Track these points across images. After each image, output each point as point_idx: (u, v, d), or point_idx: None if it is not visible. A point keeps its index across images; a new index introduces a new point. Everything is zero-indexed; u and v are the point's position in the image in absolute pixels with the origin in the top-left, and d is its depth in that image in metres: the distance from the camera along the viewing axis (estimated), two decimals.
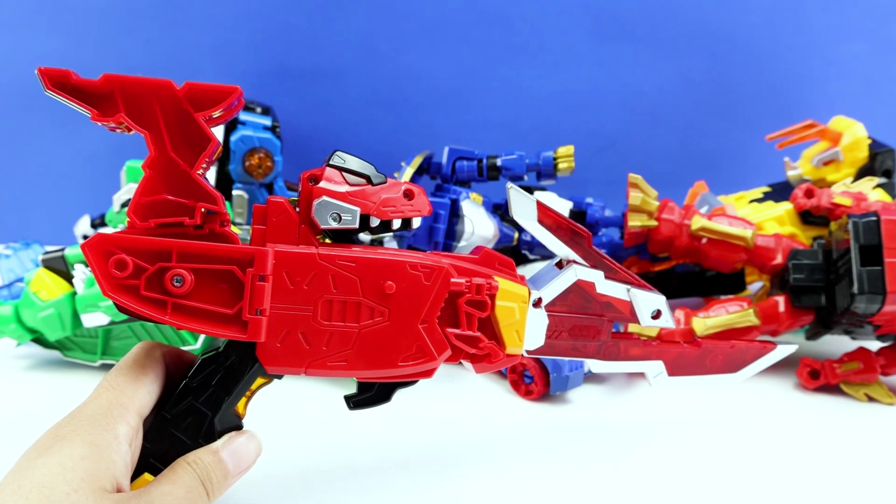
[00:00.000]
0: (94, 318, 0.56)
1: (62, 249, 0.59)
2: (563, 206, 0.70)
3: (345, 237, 0.37)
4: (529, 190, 0.73)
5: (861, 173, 0.71)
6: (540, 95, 0.94)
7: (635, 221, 0.63)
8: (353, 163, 0.36)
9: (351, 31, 0.91)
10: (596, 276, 0.42)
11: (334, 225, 0.35)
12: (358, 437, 0.50)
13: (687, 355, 0.48)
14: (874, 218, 0.53)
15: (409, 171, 0.64)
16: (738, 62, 0.94)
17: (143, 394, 0.35)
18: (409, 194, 0.37)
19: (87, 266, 0.57)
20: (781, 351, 0.50)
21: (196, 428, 0.35)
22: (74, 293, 0.57)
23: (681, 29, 0.92)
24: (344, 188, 0.36)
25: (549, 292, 0.42)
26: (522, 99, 0.95)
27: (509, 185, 0.41)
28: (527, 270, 0.66)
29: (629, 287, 0.43)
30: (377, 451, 0.48)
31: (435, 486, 0.44)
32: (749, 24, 0.92)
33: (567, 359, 0.55)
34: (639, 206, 0.63)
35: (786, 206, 0.70)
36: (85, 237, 0.80)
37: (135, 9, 0.90)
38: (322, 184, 0.35)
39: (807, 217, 0.69)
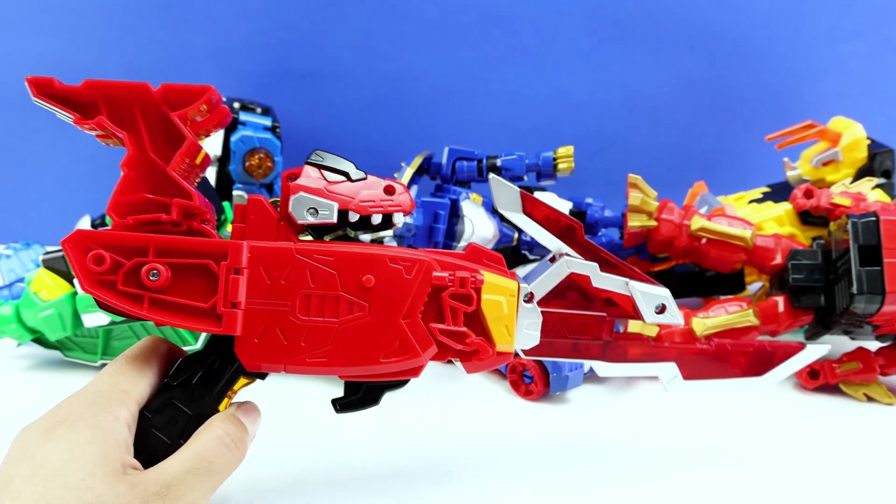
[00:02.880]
0: (95, 319, 0.57)
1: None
2: (563, 207, 0.70)
3: (327, 234, 0.37)
4: (529, 190, 0.74)
5: (860, 174, 0.72)
6: (540, 96, 0.95)
7: (635, 222, 0.63)
8: (331, 160, 0.36)
9: (351, 31, 0.91)
10: (590, 269, 0.40)
11: (311, 220, 0.35)
12: (356, 437, 0.50)
13: (705, 356, 0.44)
14: (873, 218, 0.53)
15: (409, 172, 0.64)
16: (737, 62, 0.94)
17: (143, 385, 0.35)
18: (389, 190, 0.37)
19: None
20: (812, 352, 0.45)
21: (177, 427, 0.35)
22: (75, 293, 0.57)
23: (680, 29, 0.92)
24: (321, 184, 0.36)
25: (541, 286, 0.40)
26: (522, 99, 0.95)
27: (491, 175, 0.40)
28: (524, 270, 0.66)
29: (628, 280, 0.41)
30: (375, 451, 0.48)
31: (434, 486, 0.44)
32: (748, 24, 0.92)
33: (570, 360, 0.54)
34: (638, 206, 0.63)
35: (785, 207, 0.70)
36: None
37: (135, 10, 0.90)
38: (299, 180, 0.36)
39: (806, 217, 0.69)
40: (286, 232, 0.36)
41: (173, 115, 0.34)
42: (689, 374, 0.44)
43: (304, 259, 0.35)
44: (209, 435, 0.34)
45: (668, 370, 0.44)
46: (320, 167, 0.36)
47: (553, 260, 0.41)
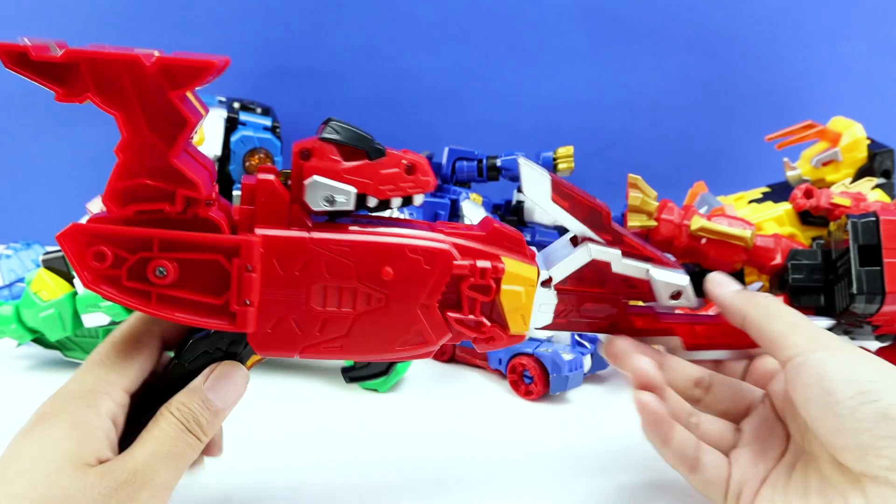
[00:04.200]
0: (95, 319, 0.57)
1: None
2: None
3: (343, 214, 0.35)
4: None
5: (860, 174, 0.72)
6: (540, 96, 0.95)
7: (634, 221, 0.63)
8: (346, 134, 0.33)
9: (351, 31, 0.91)
10: (612, 255, 0.40)
11: (327, 208, 0.33)
12: (356, 437, 0.50)
13: (710, 329, 0.45)
14: (873, 218, 0.53)
15: None
16: (738, 62, 0.94)
17: (133, 370, 0.34)
18: (410, 170, 0.34)
19: None
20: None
21: None
22: (75, 293, 0.57)
23: (681, 29, 0.92)
24: (337, 165, 0.33)
25: (560, 272, 0.39)
26: (522, 99, 0.95)
27: (522, 160, 0.38)
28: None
29: (649, 267, 0.40)
30: (374, 451, 0.48)
31: (433, 485, 0.44)
32: (749, 24, 0.92)
33: (568, 358, 0.55)
34: (638, 206, 0.63)
35: (785, 207, 0.70)
36: None
37: (135, 10, 0.90)
38: (313, 161, 0.33)
39: (806, 217, 0.69)
40: (298, 215, 0.33)
41: (172, 94, 0.29)
42: (691, 345, 0.44)
43: (320, 249, 0.33)
44: (165, 417, 0.33)
45: (671, 340, 0.43)
46: (336, 143, 0.33)
47: (574, 241, 0.40)
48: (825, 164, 0.74)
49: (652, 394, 0.40)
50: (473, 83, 0.94)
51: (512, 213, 0.72)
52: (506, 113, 0.95)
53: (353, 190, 0.33)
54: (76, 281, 0.57)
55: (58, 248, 0.59)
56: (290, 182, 0.34)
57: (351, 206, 0.33)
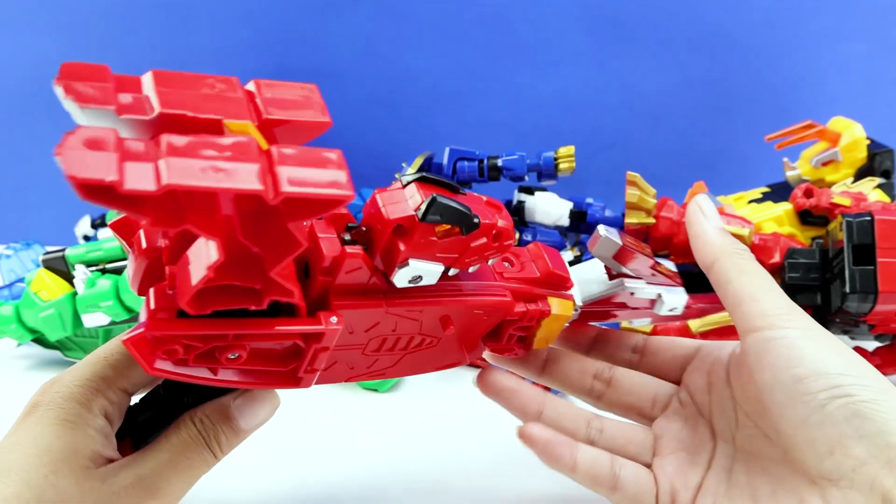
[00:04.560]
0: (95, 319, 0.57)
1: (63, 250, 0.59)
2: (564, 207, 0.70)
3: None
4: (530, 190, 0.74)
5: (860, 174, 0.72)
6: (540, 96, 0.95)
7: (632, 218, 0.63)
8: (450, 216, 0.30)
9: (351, 31, 0.91)
10: (638, 286, 0.42)
11: (409, 286, 0.32)
12: (355, 437, 0.50)
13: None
14: (868, 218, 0.53)
15: (409, 172, 0.64)
16: (738, 62, 0.94)
17: (138, 374, 0.33)
18: (497, 236, 0.32)
19: (87, 266, 0.57)
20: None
21: None
22: (75, 293, 0.57)
23: (681, 29, 0.92)
24: (434, 246, 0.30)
25: (592, 300, 0.41)
26: (523, 99, 0.95)
27: (603, 229, 0.39)
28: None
29: (661, 291, 0.42)
30: (374, 451, 0.48)
31: (433, 486, 0.44)
32: (749, 24, 0.92)
33: None
34: (635, 203, 0.63)
35: (784, 207, 0.70)
36: (86, 237, 0.80)
37: (135, 10, 0.90)
38: (410, 242, 0.30)
39: (806, 217, 0.69)
40: (376, 282, 0.32)
41: (290, 224, 0.25)
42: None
43: (393, 315, 0.33)
44: (187, 427, 0.32)
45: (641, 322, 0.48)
46: (436, 224, 0.30)
47: (609, 272, 0.42)
48: (825, 164, 0.74)
49: (536, 423, 0.39)
50: (473, 83, 0.94)
51: (513, 213, 0.72)
52: (506, 113, 0.95)
53: (441, 270, 0.31)
54: (76, 281, 0.57)
55: (58, 248, 0.60)
56: (369, 236, 0.31)
57: (434, 282, 0.32)
